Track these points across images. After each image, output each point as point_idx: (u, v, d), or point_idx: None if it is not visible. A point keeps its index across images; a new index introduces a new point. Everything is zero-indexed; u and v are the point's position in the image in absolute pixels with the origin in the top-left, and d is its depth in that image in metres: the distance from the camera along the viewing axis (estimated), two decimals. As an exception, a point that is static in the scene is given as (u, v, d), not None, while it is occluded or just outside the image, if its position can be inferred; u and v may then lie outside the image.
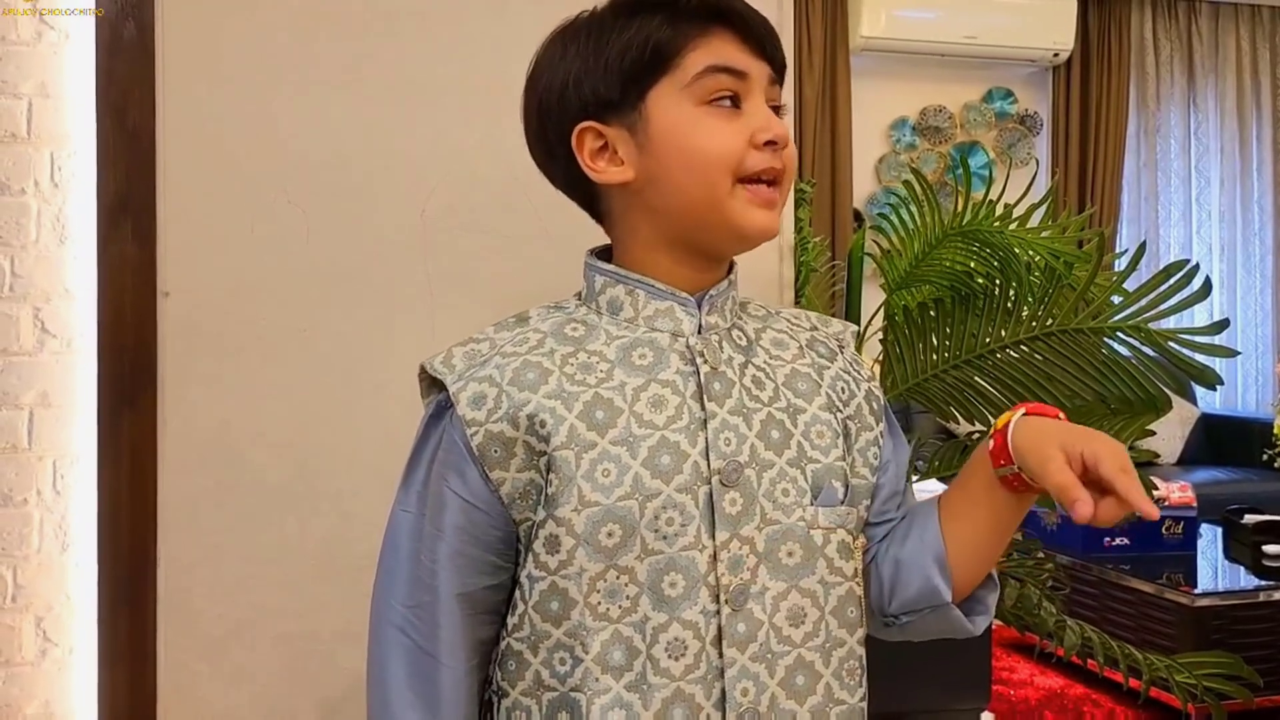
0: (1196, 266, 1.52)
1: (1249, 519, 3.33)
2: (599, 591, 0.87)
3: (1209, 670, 1.78)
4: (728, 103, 0.91)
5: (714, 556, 0.88)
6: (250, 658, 1.51)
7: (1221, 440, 4.92)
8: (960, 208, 1.67)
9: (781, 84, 0.96)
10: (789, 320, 1.03)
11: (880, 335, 1.79)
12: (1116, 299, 1.55)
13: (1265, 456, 4.21)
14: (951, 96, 5.15)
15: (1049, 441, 0.90)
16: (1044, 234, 1.67)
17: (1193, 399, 4.92)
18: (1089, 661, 2.26)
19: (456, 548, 0.91)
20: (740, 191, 0.91)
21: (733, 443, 0.90)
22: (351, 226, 1.53)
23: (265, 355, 1.51)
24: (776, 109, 0.94)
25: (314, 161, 1.52)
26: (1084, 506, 0.86)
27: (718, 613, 0.88)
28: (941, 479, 1.75)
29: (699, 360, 0.92)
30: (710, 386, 0.91)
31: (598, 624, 0.87)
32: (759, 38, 0.92)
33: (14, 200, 1.69)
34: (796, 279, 1.72)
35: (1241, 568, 3.19)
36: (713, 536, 0.89)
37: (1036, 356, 1.61)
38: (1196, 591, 2.84)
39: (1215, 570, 3.21)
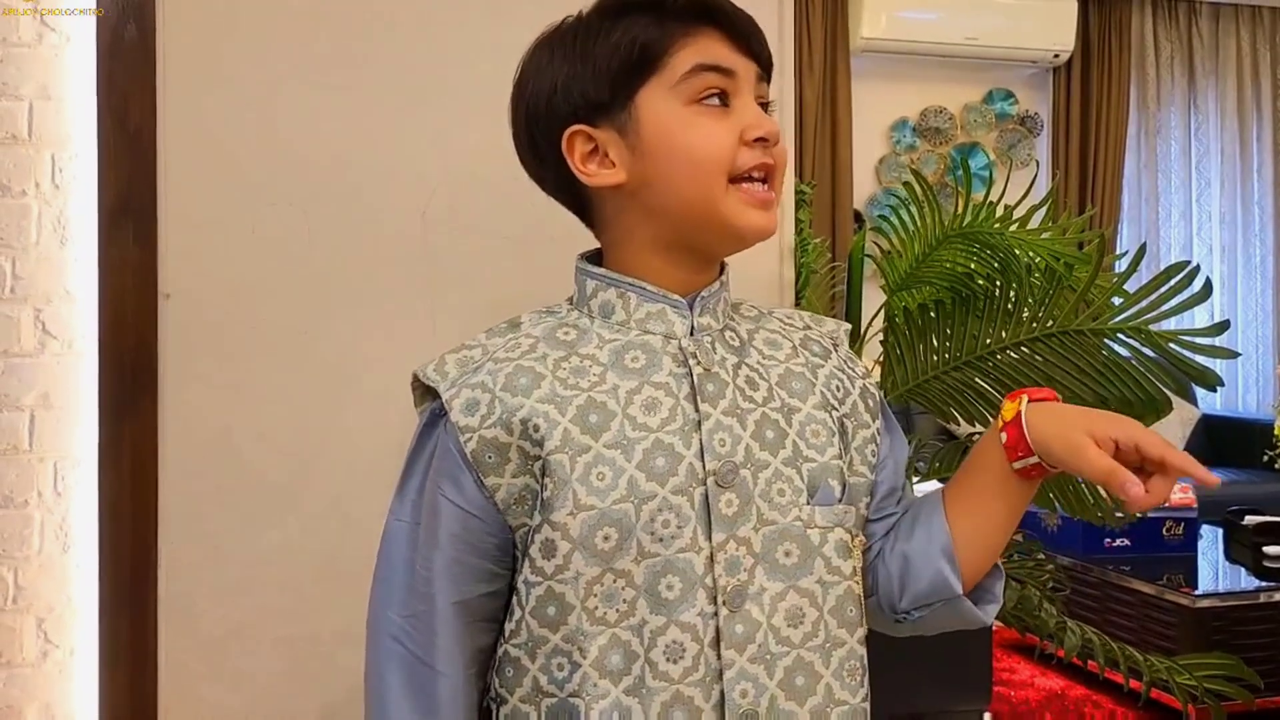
0: (1197, 268, 1.51)
1: (1249, 520, 3.32)
2: (596, 596, 0.87)
3: (1209, 671, 1.78)
4: (716, 101, 0.91)
5: (711, 558, 0.88)
6: (251, 659, 1.51)
7: (1222, 441, 4.91)
8: (961, 209, 1.67)
9: (769, 81, 0.96)
10: (782, 320, 1.02)
11: (880, 336, 1.79)
12: (1117, 300, 1.55)
13: (1266, 458, 4.20)
14: (952, 97, 5.15)
15: (1073, 429, 0.90)
16: (1044, 235, 1.67)
17: (1193, 400, 4.92)
18: (1089, 663, 2.25)
19: (453, 556, 0.91)
20: (735, 192, 0.91)
21: (727, 443, 0.90)
22: (352, 228, 1.53)
23: (266, 357, 1.51)
24: (765, 106, 0.95)
25: (315, 163, 1.52)
26: (1136, 488, 0.87)
27: (715, 614, 0.87)
28: (942, 480, 1.75)
29: (692, 362, 0.92)
30: (704, 388, 0.91)
31: (595, 628, 0.87)
32: (745, 35, 0.93)
33: (15, 202, 1.69)
34: (797, 280, 1.71)
35: (1242, 569, 3.18)
36: (709, 538, 0.88)
37: (1037, 358, 1.61)
38: (1197, 593, 2.84)
39: (1216, 571, 3.21)
